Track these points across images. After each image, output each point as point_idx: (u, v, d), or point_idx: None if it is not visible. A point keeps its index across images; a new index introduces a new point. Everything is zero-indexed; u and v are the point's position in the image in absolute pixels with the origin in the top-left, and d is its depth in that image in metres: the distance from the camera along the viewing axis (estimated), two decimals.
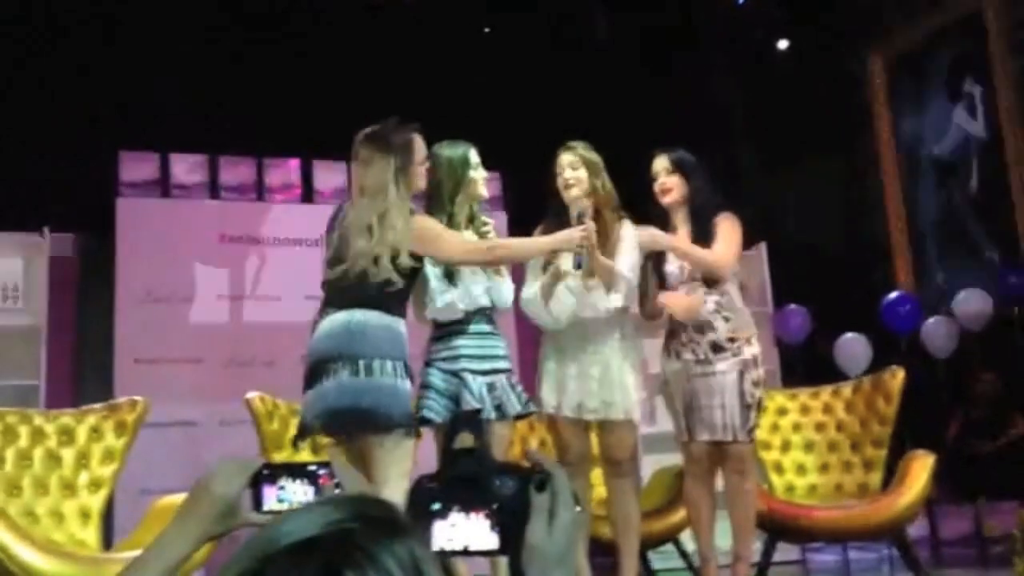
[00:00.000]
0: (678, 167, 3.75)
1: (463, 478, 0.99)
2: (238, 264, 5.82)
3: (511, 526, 0.95)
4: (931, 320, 6.49)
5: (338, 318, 3.11)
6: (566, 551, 0.94)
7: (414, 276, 3.23)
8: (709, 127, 5.98)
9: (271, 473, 1.27)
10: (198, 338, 5.69)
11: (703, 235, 3.67)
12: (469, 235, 3.51)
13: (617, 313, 3.59)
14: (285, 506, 1.26)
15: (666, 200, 3.76)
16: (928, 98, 7.39)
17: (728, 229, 3.68)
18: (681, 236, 3.72)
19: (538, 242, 3.50)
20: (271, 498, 1.26)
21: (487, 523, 0.96)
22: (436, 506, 0.98)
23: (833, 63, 7.41)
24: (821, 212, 7.15)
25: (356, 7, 6.83)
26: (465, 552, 0.96)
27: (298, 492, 1.27)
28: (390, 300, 3.14)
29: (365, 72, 6.51)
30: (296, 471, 1.28)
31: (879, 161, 7.64)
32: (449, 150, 3.53)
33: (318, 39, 6.66)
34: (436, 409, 3.38)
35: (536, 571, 0.93)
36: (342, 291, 3.15)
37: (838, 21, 7.28)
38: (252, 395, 4.28)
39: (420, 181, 3.33)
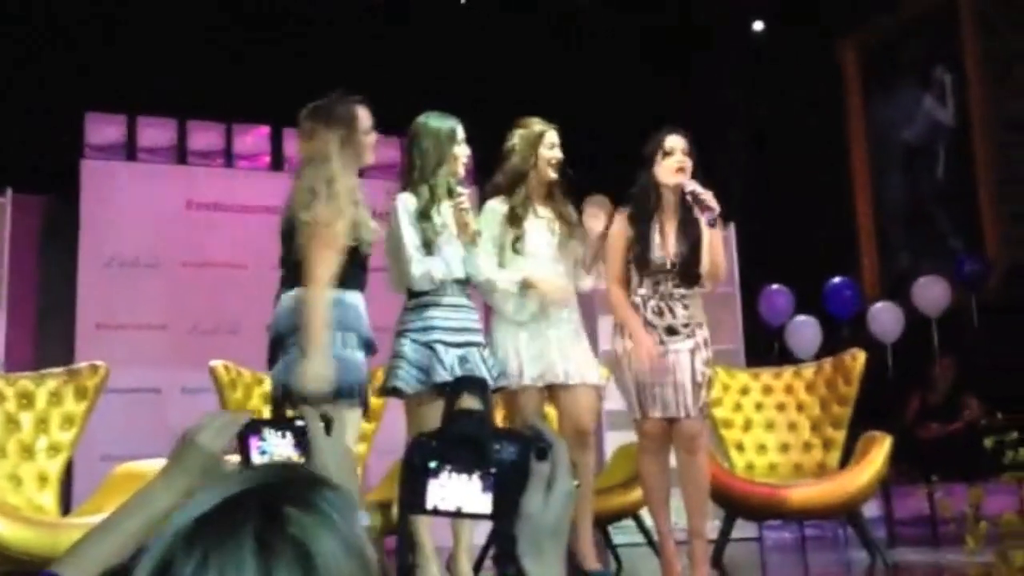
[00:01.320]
0: (692, 152, 3.73)
1: (463, 438, 0.97)
2: (204, 231, 5.77)
3: (507, 492, 0.94)
4: (877, 305, 6.58)
5: (291, 294, 3.12)
6: (560, 523, 0.94)
7: (354, 255, 3.16)
8: (681, 109, 5.98)
9: (256, 427, 1.26)
10: (162, 305, 5.65)
11: (694, 224, 3.67)
12: (445, 208, 3.49)
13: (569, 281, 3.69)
14: (267, 459, 1.25)
15: (678, 179, 3.66)
16: (899, 85, 7.46)
17: (721, 242, 3.71)
18: (669, 218, 3.70)
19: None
20: (255, 451, 1.26)
21: (482, 485, 0.95)
22: (433, 463, 0.96)
23: (807, 49, 7.44)
24: (791, 195, 7.20)
25: None
26: (457, 513, 0.95)
27: (280, 445, 1.26)
28: (340, 273, 3.11)
29: (338, 40, 6.44)
30: (280, 424, 1.27)
31: (849, 146, 7.70)
32: (437, 122, 3.51)
33: (291, 4, 6.57)
34: (406, 379, 3.36)
35: (528, 540, 0.92)
36: (295, 266, 3.14)
37: (813, 7, 7.30)
38: (216, 363, 4.26)
39: (366, 153, 3.28)
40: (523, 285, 3.60)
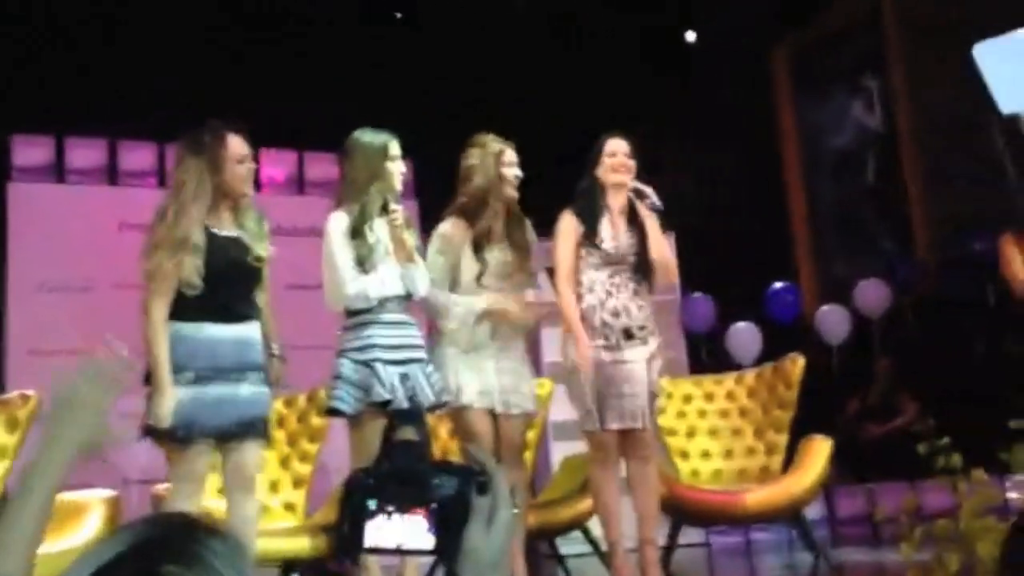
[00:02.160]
0: (634, 155, 3.78)
1: (401, 475, 0.96)
2: (137, 252, 5.63)
3: (449, 527, 0.93)
4: (824, 308, 6.70)
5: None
6: (502, 554, 0.94)
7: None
8: (615, 115, 6.03)
9: None
10: (96, 329, 5.50)
11: (640, 226, 3.72)
12: (382, 225, 3.47)
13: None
14: None
15: (622, 179, 3.74)
16: (829, 92, 7.62)
17: (664, 238, 3.77)
18: (616, 215, 3.74)
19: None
20: None
21: (424, 523, 0.94)
22: (371, 503, 0.95)
23: (738, 55, 7.56)
24: (726, 201, 7.30)
25: None
26: (399, 551, 0.94)
27: None
28: (180, 305, 3.11)
29: (273, 57, 6.38)
30: None
31: (782, 152, 7.84)
32: (368, 138, 3.49)
33: (223, 24, 6.48)
34: (345, 399, 3.33)
35: (471, 574, 0.92)
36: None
37: (744, 14, 7.42)
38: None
39: (236, 181, 3.23)
40: (483, 315, 3.56)
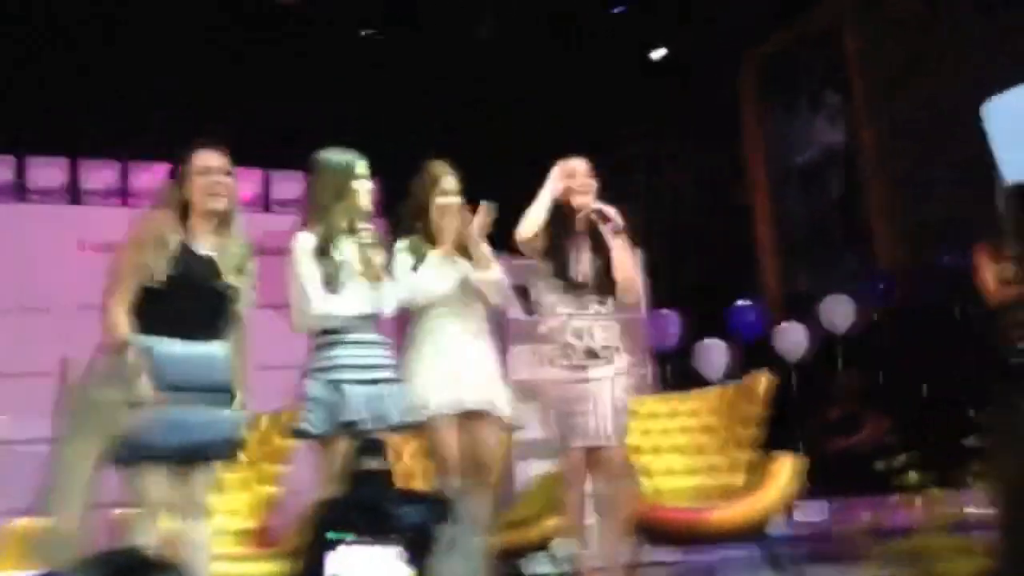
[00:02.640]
0: (595, 174, 3.80)
1: (365, 505, 0.96)
2: (101, 272, 5.57)
3: (414, 557, 0.93)
4: (783, 325, 6.75)
5: None
6: None
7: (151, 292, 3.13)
8: (583, 130, 6.06)
9: None
10: (57, 350, 5.44)
11: (604, 242, 3.74)
12: (347, 244, 3.46)
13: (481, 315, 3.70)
14: None
15: (585, 200, 3.76)
16: (793, 108, 7.71)
17: (630, 257, 3.79)
18: (581, 239, 3.76)
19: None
20: None
21: (388, 553, 0.94)
22: (332, 535, 0.95)
23: (705, 72, 7.62)
24: (693, 219, 7.35)
25: (225, 5, 6.65)
26: None
27: None
28: (144, 318, 3.10)
29: (238, 77, 6.35)
30: None
31: (748, 169, 7.91)
32: (333, 157, 3.49)
33: (187, 42, 6.45)
34: (312, 421, 3.30)
35: None
36: None
37: (709, 30, 7.48)
38: None
39: (197, 192, 3.19)
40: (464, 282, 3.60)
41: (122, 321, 3.06)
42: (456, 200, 3.71)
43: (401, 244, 3.70)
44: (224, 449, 3.17)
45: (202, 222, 3.20)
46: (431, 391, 3.53)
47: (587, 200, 3.74)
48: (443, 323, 3.61)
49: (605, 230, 3.73)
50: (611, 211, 3.71)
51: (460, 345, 3.60)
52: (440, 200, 3.68)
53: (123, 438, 2.98)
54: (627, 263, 3.77)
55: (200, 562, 3.07)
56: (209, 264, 3.19)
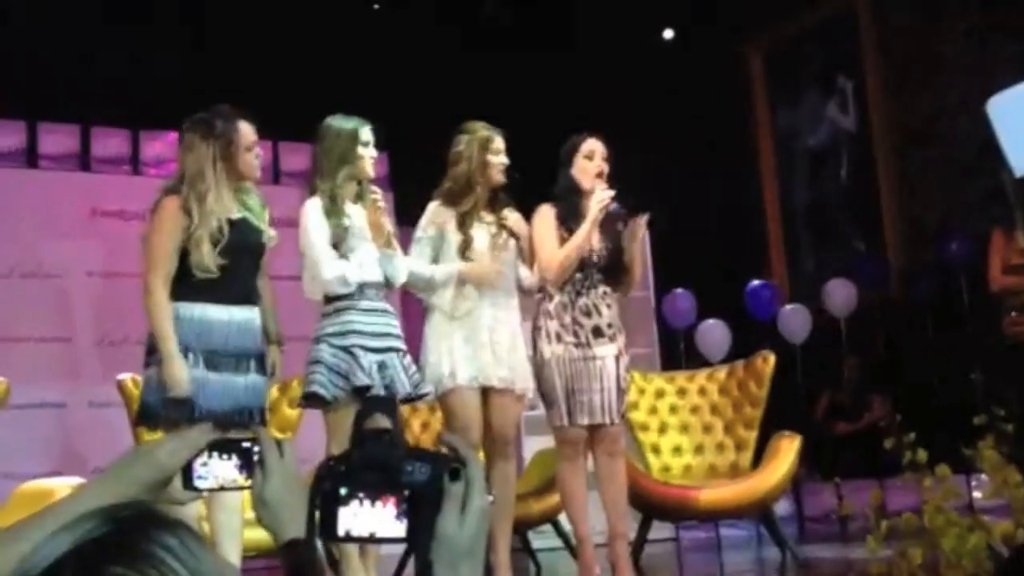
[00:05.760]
0: (609, 158, 3.78)
1: (373, 462, 0.96)
2: (110, 240, 5.60)
3: (422, 515, 0.93)
4: (787, 307, 6.75)
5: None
6: (476, 542, 0.92)
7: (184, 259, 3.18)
8: (592, 116, 6.05)
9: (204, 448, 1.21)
10: (67, 316, 5.47)
11: (613, 223, 3.74)
12: (357, 211, 3.46)
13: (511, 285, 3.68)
14: (209, 483, 1.22)
15: (598, 183, 3.74)
16: (803, 93, 7.67)
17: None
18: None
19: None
20: (197, 474, 1.21)
21: (396, 510, 0.94)
22: (343, 490, 0.95)
23: (714, 56, 7.59)
24: (702, 200, 7.33)
25: None
26: (371, 539, 0.93)
27: (224, 468, 1.22)
28: (189, 286, 3.14)
29: (248, 47, 6.32)
30: (224, 447, 1.23)
31: (757, 152, 7.88)
32: (339, 123, 3.49)
33: (198, 10, 6.43)
34: (324, 384, 3.30)
35: (444, 563, 0.91)
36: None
37: (719, 15, 7.45)
38: (124, 376, 4.14)
39: (247, 168, 3.29)
40: (462, 276, 3.57)
41: (166, 315, 3.11)
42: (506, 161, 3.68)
43: (438, 210, 3.66)
44: (260, 415, 3.22)
45: (230, 189, 3.23)
46: (457, 363, 3.53)
47: (600, 184, 3.71)
48: (471, 292, 3.60)
49: (620, 226, 3.73)
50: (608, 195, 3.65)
51: (488, 318, 3.58)
52: (494, 159, 3.66)
53: (169, 400, 3.03)
54: (639, 258, 3.77)
55: (234, 527, 3.11)
56: (245, 225, 3.24)
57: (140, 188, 5.75)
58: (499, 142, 3.69)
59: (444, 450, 0.98)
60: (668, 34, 7.86)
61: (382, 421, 1.04)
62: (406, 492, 0.94)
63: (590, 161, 3.76)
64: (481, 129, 3.70)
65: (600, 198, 3.65)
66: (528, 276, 3.77)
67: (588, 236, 3.66)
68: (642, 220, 3.73)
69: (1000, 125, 2.55)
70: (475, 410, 3.55)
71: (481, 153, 3.65)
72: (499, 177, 3.68)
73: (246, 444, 1.24)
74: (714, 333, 6.59)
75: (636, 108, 7.45)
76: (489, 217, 3.70)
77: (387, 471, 0.94)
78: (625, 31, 7.42)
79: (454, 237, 3.63)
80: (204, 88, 5.34)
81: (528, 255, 3.77)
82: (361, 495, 0.94)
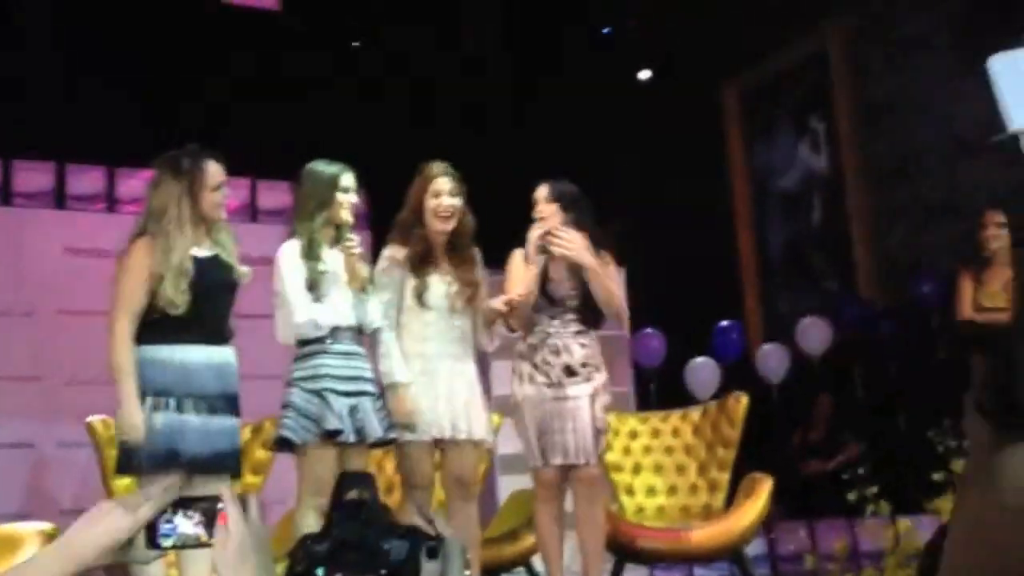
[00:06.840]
0: (556, 197, 3.77)
1: (351, 541, 0.96)
2: (84, 277, 5.56)
3: None
4: (765, 347, 6.79)
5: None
6: None
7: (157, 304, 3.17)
8: (568, 154, 6.10)
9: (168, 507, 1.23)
10: (37, 355, 5.41)
11: (577, 267, 3.72)
12: (334, 255, 3.47)
13: (469, 334, 3.66)
14: (172, 541, 1.22)
15: (545, 226, 3.74)
16: (777, 133, 7.77)
17: (615, 272, 3.80)
18: (557, 262, 3.76)
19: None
20: (161, 533, 1.22)
21: None
22: (320, 571, 0.95)
23: (690, 96, 7.68)
24: (677, 241, 7.39)
25: (217, 16, 6.66)
26: None
27: (186, 525, 1.23)
28: (162, 327, 3.13)
29: (226, 84, 6.35)
30: (187, 504, 1.24)
31: (732, 191, 7.96)
32: (320, 167, 3.51)
33: (170, 48, 6.44)
34: (295, 429, 3.29)
35: None
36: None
37: (695, 54, 7.55)
38: (94, 418, 4.10)
39: (211, 208, 3.29)
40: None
41: (126, 353, 3.10)
42: (454, 203, 3.62)
43: (392, 254, 3.64)
44: (236, 460, 3.20)
45: (196, 226, 3.25)
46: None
47: (549, 225, 3.70)
48: (426, 343, 3.58)
49: (596, 257, 3.71)
50: (562, 234, 3.64)
51: (441, 368, 3.57)
52: (432, 203, 3.63)
53: (147, 445, 3.01)
54: (609, 285, 3.73)
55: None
56: (216, 262, 3.26)
57: (115, 225, 5.74)
58: (441, 183, 3.61)
59: (421, 522, 0.99)
60: (644, 75, 7.97)
61: (360, 494, 1.04)
62: (384, 571, 0.94)
63: (535, 209, 3.77)
64: (430, 169, 3.66)
65: (530, 238, 3.69)
66: (488, 343, 3.77)
67: (526, 281, 3.66)
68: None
69: (1000, 82, 2.62)
70: (424, 456, 3.53)
71: (417, 198, 3.64)
72: (437, 222, 3.61)
73: (209, 502, 1.24)
74: (704, 371, 6.60)
75: (612, 147, 7.52)
76: (445, 263, 3.66)
77: (365, 551, 0.94)
78: (601, 71, 7.51)
79: (411, 282, 3.60)
80: (181, 126, 5.37)
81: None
82: (340, 574, 0.94)
